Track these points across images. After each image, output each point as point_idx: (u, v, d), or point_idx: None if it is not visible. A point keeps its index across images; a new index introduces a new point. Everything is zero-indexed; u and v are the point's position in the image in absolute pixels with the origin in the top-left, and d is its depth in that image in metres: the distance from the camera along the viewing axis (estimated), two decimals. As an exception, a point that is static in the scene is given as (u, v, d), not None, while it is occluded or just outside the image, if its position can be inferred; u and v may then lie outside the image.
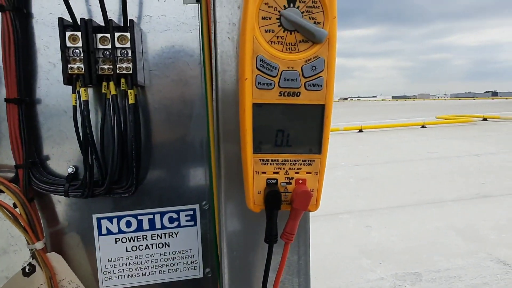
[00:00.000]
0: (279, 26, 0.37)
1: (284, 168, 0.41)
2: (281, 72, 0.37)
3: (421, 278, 2.88)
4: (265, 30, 0.37)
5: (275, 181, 0.41)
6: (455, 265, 3.10)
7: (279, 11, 0.37)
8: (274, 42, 0.37)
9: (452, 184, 5.37)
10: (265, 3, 0.36)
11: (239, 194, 0.44)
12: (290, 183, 0.41)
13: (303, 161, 0.41)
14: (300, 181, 0.41)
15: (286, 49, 0.37)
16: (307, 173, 0.41)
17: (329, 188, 5.32)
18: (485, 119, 13.43)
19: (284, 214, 0.43)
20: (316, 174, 0.42)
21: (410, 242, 3.65)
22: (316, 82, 0.38)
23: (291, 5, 0.37)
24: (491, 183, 5.23)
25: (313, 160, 0.41)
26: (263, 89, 0.38)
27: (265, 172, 0.41)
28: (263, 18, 0.37)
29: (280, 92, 0.38)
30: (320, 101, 0.39)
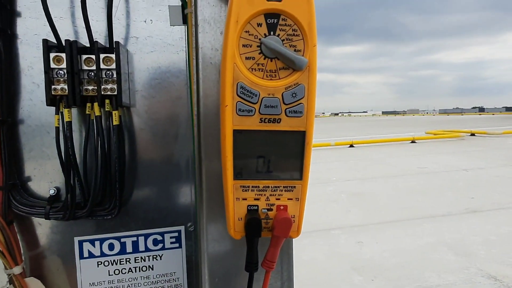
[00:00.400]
0: (259, 53, 0.37)
1: (265, 195, 0.40)
2: (262, 99, 0.37)
3: (413, 295, 2.85)
4: (246, 57, 0.37)
5: (256, 207, 0.41)
6: (446, 281, 3.09)
7: (259, 39, 0.37)
8: (255, 69, 0.37)
9: (442, 199, 5.40)
10: (246, 31, 0.37)
11: (222, 218, 0.43)
12: (271, 210, 0.41)
13: (284, 187, 0.41)
14: (281, 207, 0.41)
15: (267, 76, 0.38)
16: (288, 199, 0.41)
17: (321, 204, 5.31)
18: (473, 134, 13.68)
19: (267, 240, 0.42)
20: (297, 200, 0.41)
21: (402, 258, 3.64)
22: (297, 108, 0.38)
23: (272, 33, 0.37)
24: (480, 198, 5.28)
25: (294, 186, 0.41)
26: (243, 115, 0.38)
27: (245, 199, 0.40)
28: (243, 45, 0.37)
29: (260, 119, 0.38)
30: (301, 128, 0.39)
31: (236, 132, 0.38)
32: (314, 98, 0.38)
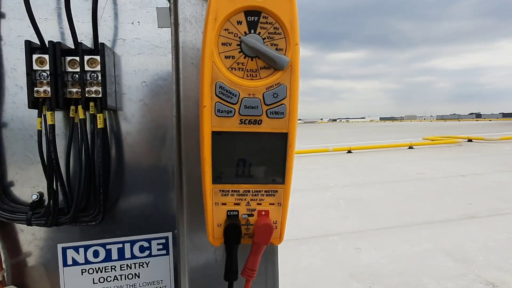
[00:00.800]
0: (239, 52, 0.36)
1: (245, 199, 0.39)
2: (242, 99, 0.36)
3: (411, 302, 2.82)
4: (225, 56, 0.36)
5: (236, 213, 0.39)
6: (445, 287, 3.07)
7: (239, 37, 0.36)
8: (235, 68, 0.36)
9: (440, 205, 5.39)
10: (225, 29, 0.35)
11: (203, 225, 0.41)
12: (252, 215, 0.39)
13: (265, 191, 0.39)
14: (263, 212, 0.39)
15: (247, 76, 0.36)
16: (270, 204, 0.39)
17: (319, 210, 5.28)
18: (470, 140, 13.71)
19: (249, 247, 0.41)
20: (280, 205, 0.39)
21: (400, 264, 3.61)
22: (278, 109, 0.37)
23: (252, 31, 0.36)
24: (478, 204, 5.27)
25: (276, 191, 0.39)
26: (222, 116, 0.36)
27: (225, 204, 0.38)
28: (223, 44, 0.35)
29: (240, 120, 0.37)
30: (283, 129, 0.37)
31: (215, 134, 0.36)
32: (297, 98, 0.37)
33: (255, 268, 0.39)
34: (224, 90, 0.36)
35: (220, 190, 0.38)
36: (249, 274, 0.40)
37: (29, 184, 0.67)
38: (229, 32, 0.35)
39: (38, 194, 0.66)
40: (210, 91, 0.35)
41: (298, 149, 11.69)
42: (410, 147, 11.90)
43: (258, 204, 0.39)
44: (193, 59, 0.42)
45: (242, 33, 0.36)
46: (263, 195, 0.39)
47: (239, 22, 0.35)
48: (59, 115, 0.66)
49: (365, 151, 11.57)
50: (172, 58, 0.41)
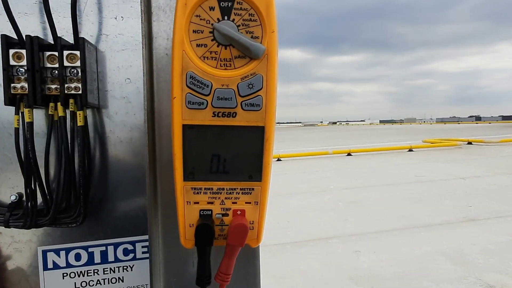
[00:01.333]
0: (212, 40, 0.34)
1: (219, 198, 0.36)
2: (214, 90, 0.34)
3: (411, 306, 2.79)
4: (197, 44, 0.33)
5: (209, 212, 0.36)
6: (445, 291, 3.03)
7: (212, 24, 0.33)
8: (207, 57, 0.34)
9: (440, 207, 5.35)
10: (196, 15, 0.33)
11: (176, 226, 0.39)
12: (226, 215, 0.37)
13: (241, 189, 0.36)
14: (238, 212, 0.37)
15: (221, 65, 0.34)
16: (246, 203, 0.37)
17: (318, 212, 5.25)
18: (470, 143, 13.68)
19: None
20: (257, 204, 0.37)
21: (400, 267, 3.58)
22: (254, 101, 0.34)
23: (226, 17, 0.34)
24: (478, 207, 5.24)
25: (253, 189, 0.37)
26: (194, 109, 0.34)
27: (198, 202, 0.36)
28: (194, 31, 0.33)
29: (213, 113, 0.34)
30: (259, 123, 0.35)
31: (186, 128, 0.34)
32: (274, 89, 0.34)
33: (230, 272, 0.37)
34: (195, 81, 0.33)
35: (192, 188, 0.36)
36: (223, 278, 0.37)
37: (7, 184, 0.64)
38: (200, 19, 0.33)
39: (16, 195, 0.64)
40: (180, 81, 0.33)
41: (297, 151, 11.65)
42: (410, 150, 11.87)
43: (233, 203, 0.36)
44: (168, 50, 0.39)
45: (215, 19, 0.33)
46: (238, 193, 0.36)
47: (212, 8, 0.33)
48: (39, 113, 0.64)
49: (365, 154, 11.54)
50: (143, 48, 0.39)
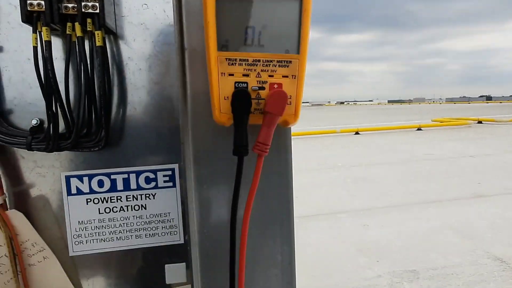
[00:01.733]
0: None
1: (255, 70, 0.35)
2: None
3: (418, 276, 2.82)
4: None
5: (245, 85, 0.35)
6: (452, 262, 3.05)
7: None
8: None
9: (449, 184, 5.33)
10: None
11: (210, 158, 0.37)
12: (263, 88, 0.35)
13: (278, 61, 0.35)
14: (275, 85, 0.35)
15: None
16: (283, 76, 0.35)
17: (326, 188, 5.27)
18: (480, 122, 13.48)
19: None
20: (294, 78, 0.35)
21: (407, 240, 3.60)
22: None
23: None
24: (487, 183, 5.20)
25: (290, 61, 0.35)
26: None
27: (232, 74, 0.35)
28: None
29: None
30: (297, -7, 0.33)
31: None
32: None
33: (268, 142, 0.35)
34: None
35: (226, 59, 0.34)
36: (261, 148, 0.36)
37: (28, 109, 0.64)
38: None
39: (38, 119, 0.64)
40: None
41: (305, 130, 11.59)
42: (419, 129, 11.74)
43: (270, 76, 0.35)
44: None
45: None
46: (275, 66, 0.35)
47: None
48: (55, 41, 0.63)
49: (373, 133, 11.46)
50: None
